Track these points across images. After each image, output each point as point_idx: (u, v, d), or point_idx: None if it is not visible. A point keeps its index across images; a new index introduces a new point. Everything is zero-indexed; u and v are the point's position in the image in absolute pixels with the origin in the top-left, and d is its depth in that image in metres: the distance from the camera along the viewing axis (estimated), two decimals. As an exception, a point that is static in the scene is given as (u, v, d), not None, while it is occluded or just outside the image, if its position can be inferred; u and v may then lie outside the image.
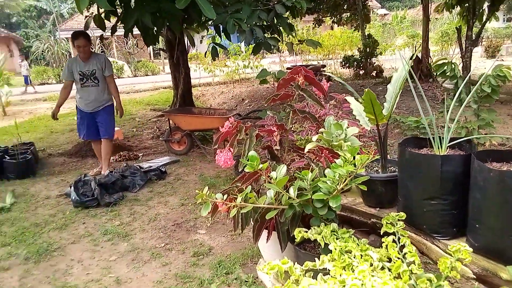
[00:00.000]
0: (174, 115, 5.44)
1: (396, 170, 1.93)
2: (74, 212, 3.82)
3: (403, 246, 1.42)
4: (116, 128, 6.48)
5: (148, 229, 3.39)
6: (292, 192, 1.52)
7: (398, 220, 1.50)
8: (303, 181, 1.56)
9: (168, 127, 5.63)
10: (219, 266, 2.71)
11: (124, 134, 6.83)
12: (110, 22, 5.51)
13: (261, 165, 1.54)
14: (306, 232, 1.51)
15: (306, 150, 1.82)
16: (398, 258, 1.37)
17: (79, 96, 4.67)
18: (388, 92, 1.85)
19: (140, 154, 5.66)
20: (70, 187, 4.08)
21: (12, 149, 5.17)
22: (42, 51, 23.39)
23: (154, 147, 6.09)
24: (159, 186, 4.38)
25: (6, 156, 5.04)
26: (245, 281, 2.51)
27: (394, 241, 1.44)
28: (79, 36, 4.47)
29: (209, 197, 1.66)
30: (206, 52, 5.50)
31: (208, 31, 7.06)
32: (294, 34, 5.52)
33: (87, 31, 4.99)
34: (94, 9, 5.52)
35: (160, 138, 6.11)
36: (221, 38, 5.76)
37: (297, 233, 1.49)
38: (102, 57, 4.72)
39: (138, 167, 4.63)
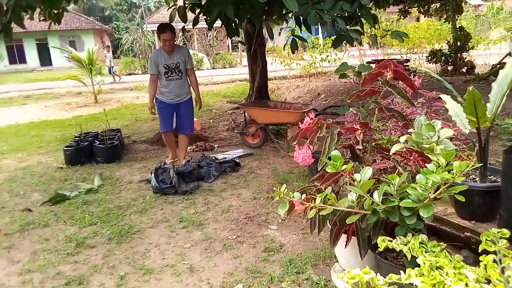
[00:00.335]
0: (249, 108, 5.47)
1: (497, 179, 1.71)
2: (153, 198, 4.00)
3: (504, 268, 1.24)
4: (194, 119, 6.71)
5: (221, 220, 3.44)
6: (377, 197, 1.40)
7: (500, 237, 1.32)
8: (389, 185, 1.44)
9: (243, 120, 5.68)
10: (290, 265, 2.65)
11: (201, 125, 7.04)
12: (194, 14, 5.65)
13: (344, 166, 1.45)
14: (391, 241, 1.38)
15: (392, 151, 1.68)
16: (500, 281, 1.20)
17: (163, 89, 4.72)
18: (493, 92, 1.64)
19: (215, 145, 5.79)
20: (151, 173, 4.28)
21: (101, 135, 5.56)
22: (131, 42, 25.00)
23: (229, 139, 6.20)
24: (233, 178, 4.43)
25: (96, 141, 5.44)
26: (316, 283, 2.43)
27: (494, 261, 1.27)
28: (166, 29, 4.49)
29: (286, 195, 1.60)
30: (284, 45, 5.43)
31: (287, 23, 6.99)
32: (377, 26, 5.23)
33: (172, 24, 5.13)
34: (179, 1, 5.71)
35: (235, 131, 6.20)
36: (300, 30, 5.65)
37: (380, 242, 1.37)
38: (185, 50, 4.81)
39: (213, 158, 4.72)
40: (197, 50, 23.32)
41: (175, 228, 3.35)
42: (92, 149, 5.31)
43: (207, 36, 22.64)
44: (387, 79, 1.88)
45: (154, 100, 4.87)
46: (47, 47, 28.43)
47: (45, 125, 8.39)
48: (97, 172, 4.77)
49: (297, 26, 5.45)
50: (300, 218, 3.28)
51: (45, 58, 31.36)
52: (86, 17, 33.13)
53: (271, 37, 5.61)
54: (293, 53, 5.65)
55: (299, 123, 1.91)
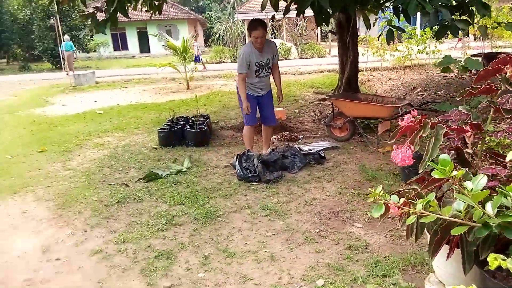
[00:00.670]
0: (338, 100, 5.30)
1: None
2: (237, 184, 4.09)
3: None
4: (280, 108, 6.73)
5: (303, 212, 3.40)
6: (491, 209, 1.25)
7: None
8: (506, 197, 1.27)
9: (330, 112, 5.54)
10: (375, 266, 2.53)
11: (287, 115, 7.02)
12: (286, 2, 5.61)
13: (454, 172, 1.31)
14: (504, 260, 1.22)
15: (508, 158, 1.49)
16: None
17: (251, 84, 4.57)
18: None
19: (300, 136, 5.74)
20: (236, 159, 4.37)
21: (192, 120, 5.83)
22: (222, 32, 25.81)
23: (314, 131, 6.10)
24: (317, 170, 4.35)
25: (187, 125, 5.72)
26: (404, 289, 2.29)
27: None
28: (258, 26, 4.28)
29: (382, 198, 1.51)
30: (379, 35, 5.16)
31: (383, 13, 6.63)
32: (489, 15, 4.71)
33: (263, 18, 5.09)
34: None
35: (322, 122, 6.07)
36: (398, 20, 5.32)
37: (492, 260, 1.22)
38: (273, 44, 4.65)
39: (298, 148, 4.68)
40: (285, 40, 23.31)
41: (257, 215, 3.39)
42: (183, 133, 5.59)
43: (296, 25, 22.50)
44: (507, 76, 1.67)
45: (237, 92, 4.80)
46: (147, 35, 30.56)
47: (142, 108, 9.04)
48: (186, 155, 5.01)
49: (394, 16, 5.14)
50: (389, 218, 3.11)
51: (144, 45, 33.77)
52: (182, 7, 34.85)
53: (368, 27, 5.35)
54: (389, 44, 5.34)
55: (399, 120, 1.77)
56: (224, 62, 21.29)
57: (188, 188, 4.02)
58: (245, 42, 26.08)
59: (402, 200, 1.52)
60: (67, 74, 15.58)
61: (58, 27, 15.41)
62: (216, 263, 2.71)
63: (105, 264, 2.78)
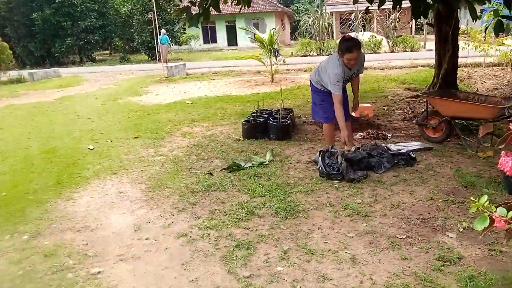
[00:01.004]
0: (434, 98, 4.90)
1: None
2: (319, 180, 4.01)
3: None
4: (367, 105, 6.47)
5: (389, 215, 3.23)
6: None
7: None
8: None
9: (424, 110, 5.16)
10: (470, 281, 2.31)
11: (374, 112, 6.72)
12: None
13: None
14: None
15: None
16: None
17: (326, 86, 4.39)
18: None
19: (388, 135, 5.44)
20: (318, 155, 4.29)
21: (275, 113, 5.85)
22: (309, 24, 25.51)
23: (404, 129, 5.75)
24: (406, 172, 4.09)
25: (270, 118, 5.75)
26: (503, 312, 2.06)
27: None
28: (353, 49, 4.02)
29: (487, 209, 1.35)
30: (486, 28, 4.67)
31: (489, 3, 6.00)
32: None
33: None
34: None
35: (413, 121, 5.69)
36: (509, 11, 4.77)
37: None
38: (363, 57, 4.39)
39: (386, 148, 4.45)
40: (376, 32, 22.34)
41: (339, 214, 3.29)
42: (267, 126, 5.63)
43: (388, 17, 21.40)
44: None
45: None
46: (235, 29, 31.41)
47: (227, 100, 9.31)
48: (269, 148, 5.05)
49: (504, 6, 4.62)
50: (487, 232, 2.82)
51: (232, 38, 34.79)
52: (270, 0, 35.13)
53: (475, 19, 4.87)
54: (497, 36, 4.81)
55: (510, 123, 1.57)
56: (309, 55, 21.05)
57: (270, 181, 4.04)
58: (333, 36, 25.55)
59: (510, 213, 1.35)
60: (166, 65, 16.57)
61: (155, 20, 16.50)
62: (295, 259, 2.69)
63: (189, 247, 2.92)
